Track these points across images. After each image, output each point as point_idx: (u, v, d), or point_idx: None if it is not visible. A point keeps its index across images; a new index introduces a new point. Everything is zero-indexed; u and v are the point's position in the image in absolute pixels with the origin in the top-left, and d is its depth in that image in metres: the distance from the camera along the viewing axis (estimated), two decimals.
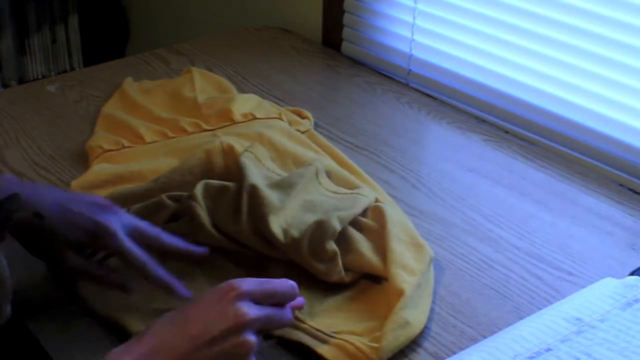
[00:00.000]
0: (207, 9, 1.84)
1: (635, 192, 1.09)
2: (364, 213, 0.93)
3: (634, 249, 0.97)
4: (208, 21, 1.84)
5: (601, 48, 1.13)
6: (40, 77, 2.02)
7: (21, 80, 1.99)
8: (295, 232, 0.87)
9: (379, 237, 0.89)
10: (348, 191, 0.97)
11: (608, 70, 1.13)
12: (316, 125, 1.22)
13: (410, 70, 1.39)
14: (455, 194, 1.07)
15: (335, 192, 0.97)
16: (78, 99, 1.29)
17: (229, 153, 1.01)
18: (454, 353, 0.80)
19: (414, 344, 0.82)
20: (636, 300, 0.82)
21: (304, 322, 0.82)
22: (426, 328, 0.84)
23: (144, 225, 0.84)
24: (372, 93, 1.34)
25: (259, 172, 0.95)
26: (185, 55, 1.44)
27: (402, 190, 1.07)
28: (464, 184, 1.09)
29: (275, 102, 1.29)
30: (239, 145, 1.02)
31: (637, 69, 1.09)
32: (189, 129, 1.13)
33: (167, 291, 0.82)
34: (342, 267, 0.87)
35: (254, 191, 0.90)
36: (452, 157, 1.16)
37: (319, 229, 0.87)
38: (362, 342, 0.79)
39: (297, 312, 0.80)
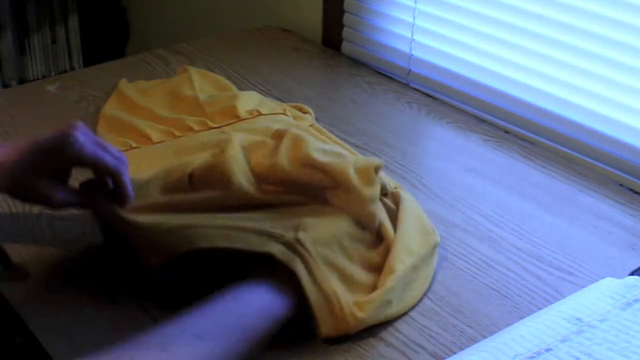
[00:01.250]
0: (207, 9, 1.84)
1: (635, 192, 1.09)
2: (384, 196, 0.94)
3: (634, 249, 0.97)
4: (208, 21, 1.84)
5: (601, 48, 1.13)
6: (40, 77, 2.02)
7: (21, 80, 2.00)
8: (338, 158, 0.88)
9: (394, 218, 0.91)
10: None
11: (608, 70, 1.13)
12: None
13: (410, 70, 1.39)
14: (455, 194, 1.07)
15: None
16: (78, 99, 1.29)
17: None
18: (454, 353, 0.80)
19: (414, 344, 0.82)
20: (636, 300, 0.82)
21: (307, 250, 0.81)
22: (426, 328, 0.84)
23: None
24: (372, 93, 1.34)
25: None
26: (185, 55, 1.44)
27: None
28: (464, 184, 1.09)
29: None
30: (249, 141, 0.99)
31: (637, 69, 1.09)
32: (196, 127, 1.13)
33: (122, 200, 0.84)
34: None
35: (293, 135, 0.91)
36: (452, 157, 1.16)
37: (364, 159, 0.89)
38: (347, 306, 0.79)
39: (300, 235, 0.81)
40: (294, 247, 0.81)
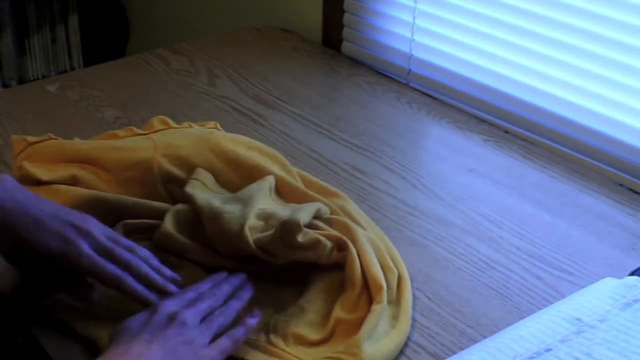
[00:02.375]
0: (207, 9, 1.84)
1: (635, 192, 1.09)
2: (329, 224, 0.92)
3: (634, 249, 0.97)
4: (208, 21, 1.84)
5: (601, 48, 1.13)
6: (40, 77, 2.02)
7: (21, 80, 1.99)
8: (265, 239, 0.87)
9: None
10: (299, 205, 0.96)
11: (608, 70, 1.13)
12: (316, 125, 1.22)
13: (410, 70, 1.39)
14: (455, 194, 1.07)
15: (285, 205, 0.97)
16: (78, 99, 1.29)
17: (168, 181, 0.99)
18: (454, 353, 0.80)
19: (414, 344, 0.82)
20: (636, 300, 0.82)
21: (282, 349, 0.80)
22: (426, 328, 0.84)
23: (115, 246, 0.83)
24: (372, 93, 1.34)
25: (208, 196, 0.94)
26: (185, 55, 1.44)
27: (402, 190, 1.07)
28: (464, 184, 1.09)
29: (275, 102, 1.29)
30: (174, 151, 1.00)
31: (637, 69, 1.09)
32: (121, 134, 1.07)
33: (143, 302, 0.80)
34: (327, 244, 0.87)
35: (211, 210, 0.91)
36: (452, 157, 1.16)
37: (285, 227, 0.86)
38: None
39: (272, 338, 0.80)
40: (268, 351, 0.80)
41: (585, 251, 0.97)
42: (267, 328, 0.82)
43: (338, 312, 0.84)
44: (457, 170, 1.13)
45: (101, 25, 2.10)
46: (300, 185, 1.01)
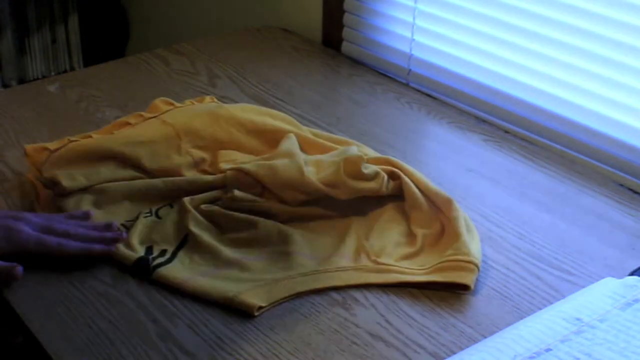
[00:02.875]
0: (207, 9, 1.84)
1: (635, 192, 1.09)
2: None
3: (634, 249, 0.97)
4: (208, 21, 1.84)
5: (601, 48, 1.13)
6: (40, 77, 2.02)
7: (21, 80, 1.99)
8: (329, 177, 0.97)
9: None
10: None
11: (608, 70, 1.13)
12: (316, 125, 1.22)
13: (410, 70, 1.39)
14: (455, 194, 1.06)
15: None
16: (78, 99, 1.29)
17: (200, 163, 1.06)
18: (454, 353, 0.80)
19: (414, 344, 0.82)
20: (636, 300, 0.82)
21: (394, 265, 0.91)
22: (426, 328, 0.84)
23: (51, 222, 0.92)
24: (372, 93, 1.34)
25: (251, 163, 1.02)
26: (185, 55, 1.44)
27: None
28: (464, 184, 1.09)
29: (275, 102, 1.29)
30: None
31: (637, 69, 1.09)
32: (132, 120, 1.12)
33: (89, 254, 0.90)
34: (385, 175, 0.99)
35: (265, 168, 1.00)
36: (452, 157, 1.16)
37: (349, 162, 0.98)
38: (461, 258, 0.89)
39: (379, 260, 0.91)
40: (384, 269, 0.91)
41: (585, 251, 0.97)
42: (366, 254, 0.92)
43: (417, 230, 0.95)
44: (457, 170, 1.13)
45: (101, 25, 2.10)
46: (317, 139, 1.10)
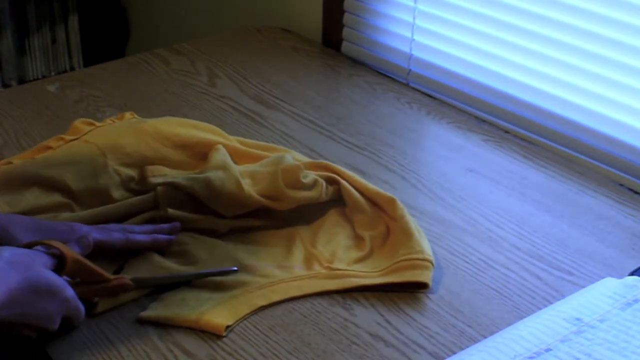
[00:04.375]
0: (207, 9, 1.84)
1: (635, 192, 1.09)
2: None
3: (634, 249, 0.97)
4: (208, 21, 1.84)
5: (601, 48, 1.13)
6: (40, 77, 2.02)
7: (21, 80, 1.99)
8: (267, 188, 0.96)
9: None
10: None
11: (608, 70, 1.13)
12: (316, 125, 1.22)
13: (410, 70, 1.39)
14: (455, 194, 1.07)
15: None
16: (78, 99, 1.29)
17: (127, 182, 1.00)
18: (454, 353, 0.80)
19: (414, 344, 0.82)
20: (636, 300, 0.82)
21: (349, 270, 0.90)
22: (426, 328, 0.84)
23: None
24: (372, 93, 1.34)
25: (182, 177, 0.99)
26: (185, 55, 1.44)
27: (402, 190, 1.07)
28: (464, 184, 1.09)
29: (275, 102, 1.29)
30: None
31: (637, 69, 1.09)
32: (54, 144, 1.08)
33: (155, 243, 0.90)
34: (323, 182, 0.98)
35: (199, 182, 0.96)
36: (452, 157, 1.16)
37: (288, 172, 0.96)
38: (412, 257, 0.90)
39: (332, 265, 0.91)
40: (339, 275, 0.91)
41: (585, 251, 0.96)
42: (318, 261, 0.92)
43: (363, 233, 0.95)
44: (457, 170, 1.13)
45: (101, 25, 2.10)
46: (246, 148, 1.08)
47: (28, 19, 1.98)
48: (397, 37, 1.40)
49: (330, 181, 1.00)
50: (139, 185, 0.99)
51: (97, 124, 1.11)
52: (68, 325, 0.82)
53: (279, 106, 1.28)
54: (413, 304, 0.87)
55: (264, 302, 0.86)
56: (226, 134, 1.10)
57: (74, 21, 2.05)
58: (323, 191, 0.98)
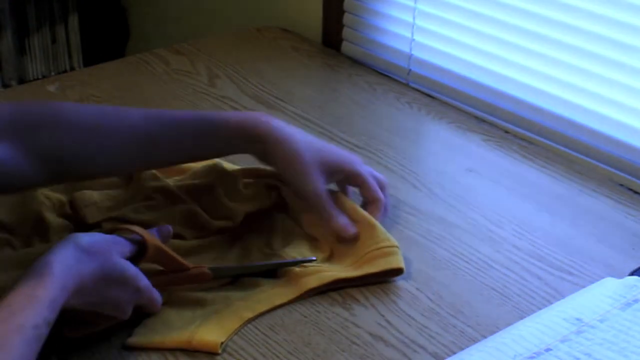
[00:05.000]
0: (207, 9, 1.84)
1: (635, 192, 1.09)
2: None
3: (634, 249, 0.97)
4: (208, 21, 1.84)
5: (601, 48, 1.13)
6: (40, 77, 2.02)
7: (21, 80, 1.99)
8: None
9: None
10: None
11: (608, 70, 1.13)
12: (316, 125, 1.22)
13: (410, 70, 1.39)
14: (455, 194, 1.07)
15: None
16: (78, 99, 1.29)
17: (60, 207, 0.98)
18: (454, 353, 0.80)
19: (414, 344, 0.82)
20: (636, 300, 0.82)
21: (319, 267, 0.89)
22: (426, 328, 0.84)
23: None
24: (372, 93, 1.34)
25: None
26: (185, 55, 1.44)
27: (402, 190, 1.07)
28: (464, 184, 1.09)
29: (275, 102, 1.29)
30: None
31: (637, 69, 1.09)
32: None
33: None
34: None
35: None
36: (452, 157, 1.16)
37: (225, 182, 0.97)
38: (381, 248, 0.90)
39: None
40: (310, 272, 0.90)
41: (585, 251, 0.96)
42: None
43: (314, 232, 0.95)
44: (457, 170, 1.13)
45: (101, 25, 2.10)
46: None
47: (28, 19, 1.98)
48: (397, 37, 1.40)
49: (269, 187, 0.99)
50: (72, 211, 0.96)
51: None
52: (143, 314, 0.82)
53: (279, 106, 1.28)
54: (413, 304, 0.87)
55: (250, 314, 0.85)
56: None
57: (74, 21, 2.05)
58: (269, 196, 0.97)
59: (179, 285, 0.85)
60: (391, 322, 0.85)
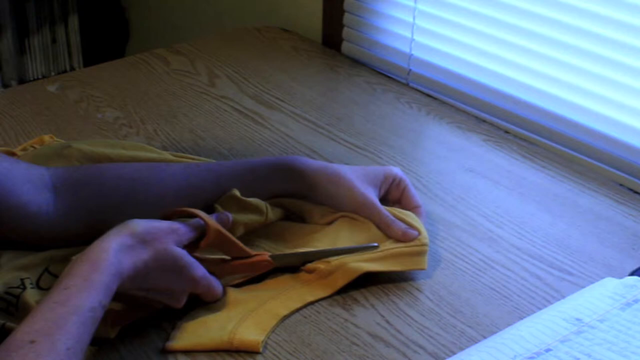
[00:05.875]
0: (207, 9, 1.84)
1: (635, 192, 1.09)
2: None
3: (634, 249, 0.97)
4: (208, 21, 1.84)
5: (601, 48, 1.13)
6: (40, 77, 2.02)
7: (21, 80, 1.99)
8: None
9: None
10: None
11: (608, 70, 1.13)
12: (316, 125, 1.22)
13: (410, 70, 1.39)
14: (455, 194, 1.07)
15: None
16: (78, 99, 1.29)
17: None
18: (454, 353, 0.80)
19: (414, 344, 0.82)
20: (636, 300, 0.82)
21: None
22: (426, 328, 0.84)
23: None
24: (372, 93, 1.34)
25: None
26: (185, 55, 1.44)
27: None
28: (464, 184, 1.09)
29: (275, 102, 1.29)
30: None
31: (637, 69, 1.09)
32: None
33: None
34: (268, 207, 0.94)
35: None
36: (452, 157, 1.16)
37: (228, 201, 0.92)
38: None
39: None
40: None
41: (585, 251, 0.96)
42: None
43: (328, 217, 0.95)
44: (457, 170, 1.13)
45: (101, 25, 2.10)
46: (177, 159, 1.05)
47: (28, 19, 1.98)
48: (397, 37, 1.40)
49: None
50: None
51: (15, 150, 1.07)
52: (202, 302, 0.83)
53: (279, 106, 1.28)
54: (413, 304, 0.87)
55: (285, 311, 0.85)
56: (156, 149, 1.07)
57: (74, 21, 2.05)
58: (269, 213, 0.94)
59: (240, 272, 0.86)
60: (391, 322, 0.85)
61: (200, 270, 0.80)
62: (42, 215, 0.86)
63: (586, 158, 1.17)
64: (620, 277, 0.88)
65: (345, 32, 1.48)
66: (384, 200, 0.98)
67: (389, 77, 1.40)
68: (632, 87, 1.10)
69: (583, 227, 1.01)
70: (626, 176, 1.12)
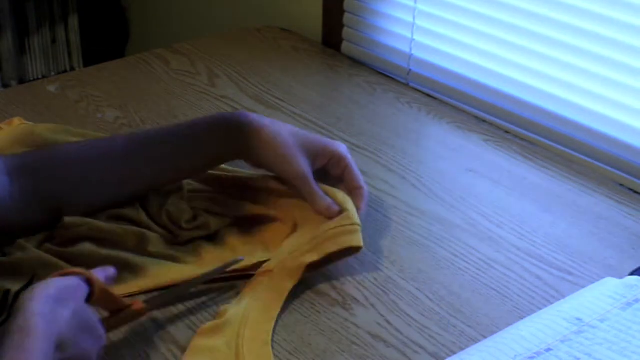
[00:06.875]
0: (207, 9, 1.84)
1: (635, 192, 1.09)
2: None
3: (634, 249, 0.97)
4: (208, 21, 1.84)
5: (601, 48, 1.13)
6: (40, 77, 2.02)
7: (21, 80, 1.99)
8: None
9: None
10: None
11: (608, 70, 1.13)
12: (316, 125, 1.22)
13: (410, 70, 1.39)
14: (455, 194, 1.07)
15: None
16: (78, 99, 1.29)
17: None
18: (454, 353, 0.80)
19: (414, 344, 0.82)
20: (636, 300, 0.82)
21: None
22: (426, 328, 0.84)
23: None
24: (372, 93, 1.34)
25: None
26: (185, 55, 1.44)
27: (402, 190, 1.07)
28: (464, 184, 1.09)
29: (275, 102, 1.29)
30: None
31: (637, 69, 1.09)
32: None
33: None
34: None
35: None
36: (452, 157, 1.16)
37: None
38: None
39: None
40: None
41: (585, 251, 0.96)
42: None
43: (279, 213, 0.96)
44: (457, 170, 1.13)
45: (101, 25, 2.10)
46: None
47: (28, 19, 1.98)
48: (397, 37, 1.40)
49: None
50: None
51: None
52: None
53: (279, 106, 1.28)
54: (413, 304, 0.87)
55: (267, 338, 0.83)
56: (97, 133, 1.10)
57: (74, 21, 2.05)
58: (212, 226, 0.95)
59: (121, 326, 0.81)
60: (391, 322, 0.85)
61: (101, 327, 0.75)
62: None
63: (586, 158, 1.17)
64: (620, 277, 0.88)
65: (345, 32, 1.48)
66: (330, 178, 0.98)
67: (389, 77, 1.40)
68: (632, 87, 1.10)
69: (583, 227, 1.01)
70: (626, 176, 1.12)
